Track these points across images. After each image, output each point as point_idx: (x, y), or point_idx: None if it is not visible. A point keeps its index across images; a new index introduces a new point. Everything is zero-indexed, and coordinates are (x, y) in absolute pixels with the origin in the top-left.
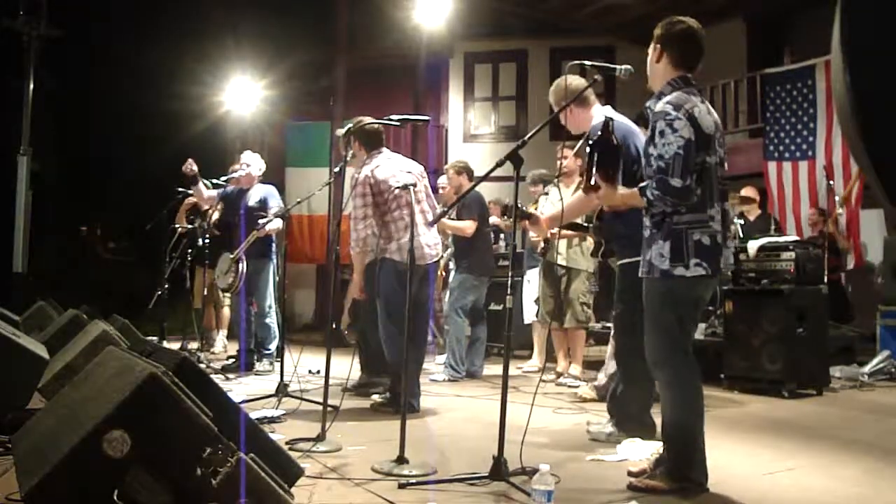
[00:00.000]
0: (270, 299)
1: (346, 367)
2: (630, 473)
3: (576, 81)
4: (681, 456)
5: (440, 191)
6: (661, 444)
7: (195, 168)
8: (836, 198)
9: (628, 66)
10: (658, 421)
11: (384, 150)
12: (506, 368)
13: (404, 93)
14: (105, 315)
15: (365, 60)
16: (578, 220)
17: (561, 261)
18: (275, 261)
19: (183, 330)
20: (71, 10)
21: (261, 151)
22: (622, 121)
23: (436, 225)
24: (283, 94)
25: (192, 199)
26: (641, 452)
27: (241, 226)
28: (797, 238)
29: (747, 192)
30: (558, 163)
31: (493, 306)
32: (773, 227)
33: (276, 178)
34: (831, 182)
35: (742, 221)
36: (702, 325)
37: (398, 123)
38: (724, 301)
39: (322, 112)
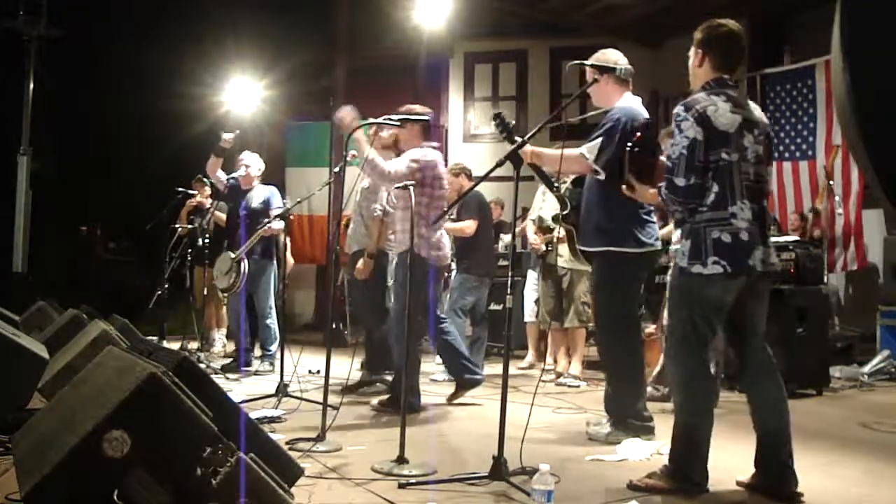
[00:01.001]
0: (272, 300)
1: (346, 367)
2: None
3: (617, 55)
4: (683, 457)
5: None
6: (660, 444)
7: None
8: (836, 198)
9: (628, 66)
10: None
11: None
12: (506, 368)
13: (404, 93)
14: (105, 315)
15: (365, 60)
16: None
17: (563, 263)
18: (274, 262)
19: (183, 330)
20: (71, 10)
21: (261, 151)
22: (641, 111)
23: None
24: (283, 94)
25: (194, 201)
26: (641, 452)
27: (242, 226)
28: (797, 238)
29: None
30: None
31: (493, 306)
32: (773, 226)
33: (276, 178)
34: (831, 182)
35: None
36: None
37: (398, 123)
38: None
39: (322, 112)
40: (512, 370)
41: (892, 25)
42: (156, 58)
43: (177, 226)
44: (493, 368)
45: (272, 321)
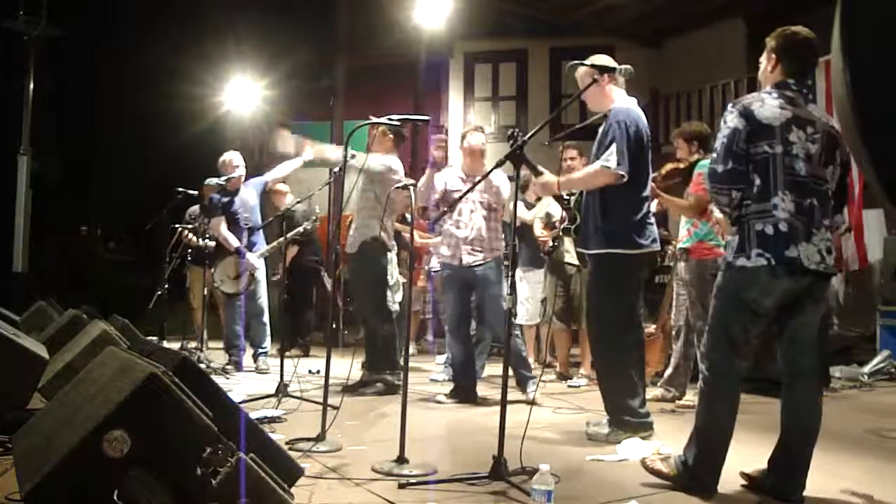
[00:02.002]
0: (265, 298)
1: (346, 367)
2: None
3: (605, 58)
4: (699, 456)
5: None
6: (660, 443)
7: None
8: None
9: (628, 66)
10: (658, 418)
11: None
12: (506, 368)
13: (404, 93)
14: (105, 315)
15: (365, 60)
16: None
17: (570, 259)
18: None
19: (183, 330)
20: (71, 10)
21: (261, 151)
22: (638, 111)
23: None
24: (283, 94)
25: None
26: (641, 452)
27: (242, 228)
28: None
29: None
30: (562, 164)
31: None
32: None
33: None
34: None
35: None
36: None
37: (398, 123)
38: None
39: (322, 112)
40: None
41: (893, 25)
42: (156, 58)
43: (177, 226)
44: (493, 368)
45: (266, 318)
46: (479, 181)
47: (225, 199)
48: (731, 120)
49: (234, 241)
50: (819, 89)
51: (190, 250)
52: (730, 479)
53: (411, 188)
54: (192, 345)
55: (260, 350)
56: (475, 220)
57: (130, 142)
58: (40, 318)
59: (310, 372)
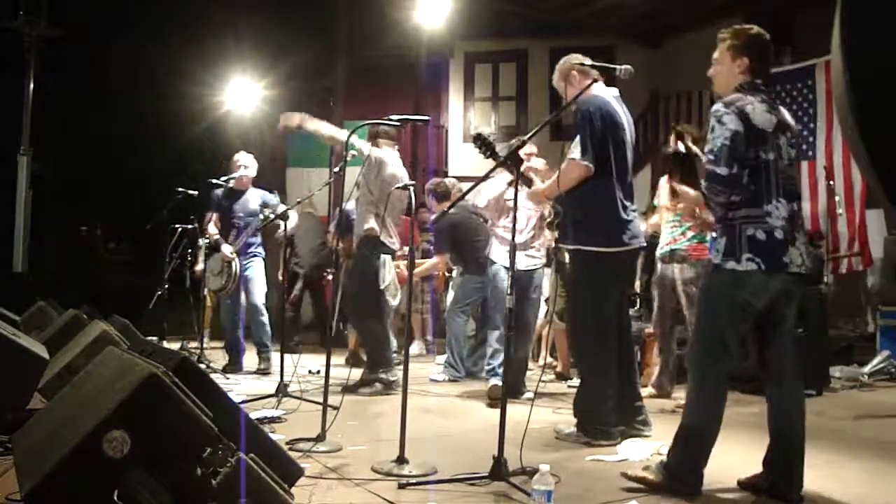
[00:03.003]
0: (264, 298)
1: (346, 367)
2: None
3: (577, 56)
4: (682, 457)
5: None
6: (660, 444)
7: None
8: (836, 198)
9: (628, 66)
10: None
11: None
12: (506, 369)
13: (404, 93)
14: (105, 315)
15: (365, 60)
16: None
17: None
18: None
19: (183, 330)
20: (71, 10)
21: (261, 151)
22: (605, 97)
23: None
24: (283, 94)
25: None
26: (641, 452)
27: (242, 228)
28: None
29: None
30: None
31: None
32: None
33: (277, 178)
34: (831, 182)
35: None
36: None
37: (398, 123)
38: None
39: (322, 112)
40: None
41: (892, 25)
42: (156, 58)
43: (177, 226)
44: None
45: (266, 317)
46: (477, 184)
47: (225, 198)
48: (729, 122)
49: (212, 231)
50: (819, 89)
51: (190, 250)
52: (727, 479)
53: (410, 188)
54: (193, 345)
55: (261, 349)
56: (530, 225)
57: (130, 142)
58: (40, 318)
59: (310, 372)
